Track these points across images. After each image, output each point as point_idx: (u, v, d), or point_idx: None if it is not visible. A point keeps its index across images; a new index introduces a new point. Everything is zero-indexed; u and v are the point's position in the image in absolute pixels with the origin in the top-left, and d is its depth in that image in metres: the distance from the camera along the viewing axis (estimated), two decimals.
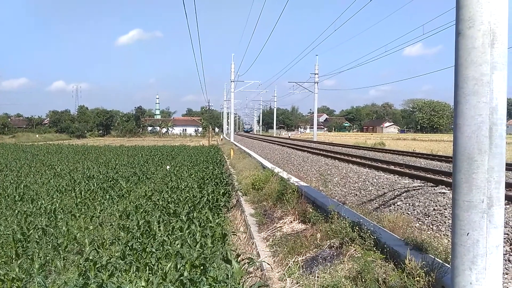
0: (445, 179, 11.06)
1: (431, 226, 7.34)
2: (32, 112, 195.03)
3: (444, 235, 6.72)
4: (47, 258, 7.66)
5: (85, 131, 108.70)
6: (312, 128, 68.98)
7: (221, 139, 77.19)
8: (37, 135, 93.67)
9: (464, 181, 3.30)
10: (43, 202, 12.80)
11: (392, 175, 13.31)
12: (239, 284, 5.23)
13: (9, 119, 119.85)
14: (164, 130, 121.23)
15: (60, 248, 8.15)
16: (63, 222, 10.13)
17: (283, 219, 8.76)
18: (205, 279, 5.28)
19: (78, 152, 40.32)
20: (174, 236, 8.23)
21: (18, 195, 14.16)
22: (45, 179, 18.97)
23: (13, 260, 7.61)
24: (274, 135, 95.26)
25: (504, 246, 4.99)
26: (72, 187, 16.10)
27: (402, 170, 14.47)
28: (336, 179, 13.40)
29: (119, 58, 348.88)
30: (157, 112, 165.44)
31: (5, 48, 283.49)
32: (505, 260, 5.09)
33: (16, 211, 11.77)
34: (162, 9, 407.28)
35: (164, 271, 6.03)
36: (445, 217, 7.55)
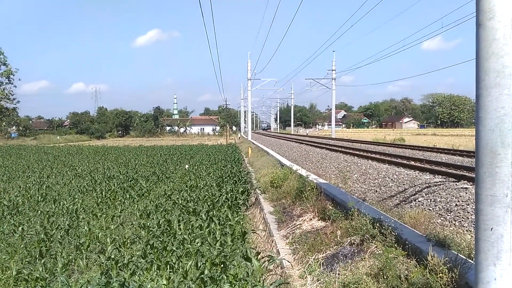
0: (467, 174, 10.89)
1: (454, 222, 7.23)
2: (53, 114, 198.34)
3: (467, 230, 6.61)
4: (70, 257, 7.77)
5: (105, 132, 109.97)
6: (330, 125, 68.60)
7: (239, 137, 77.34)
8: (58, 137, 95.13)
9: (487, 175, 3.23)
10: (65, 202, 13.00)
11: (412, 170, 13.16)
12: (259, 281, 5.23)
13: (31, 122, 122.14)
14: (182, 129, 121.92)
15: (82, 248, 8.27)
16: (85, 222, 10.28)
17: (302, 216, 8.73)
18: (225, 277, 5.29)
19: (98, 152, 40.83)
20: (194, 234, 8.27)
21: (41, 196, 14.40)
22: (66, 179, 19.28)
23: (37, 260, 7.73)
24: (292, 133, 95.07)
25: None
26: (93, 187, 16.32)
27: (422, 165, 14.29)
28: (356, 175, 13.30)
29: (137, 59, 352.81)
30: (175, 112, 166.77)
31: (26, 51, 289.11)
32: None
33: (39, 211, 11.97)
34: (180, 9, 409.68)
35: (185, 269, 6.07)
36: (468, 212, 7.43)
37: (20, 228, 9.68)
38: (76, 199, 13.64)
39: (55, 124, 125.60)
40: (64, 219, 10.72)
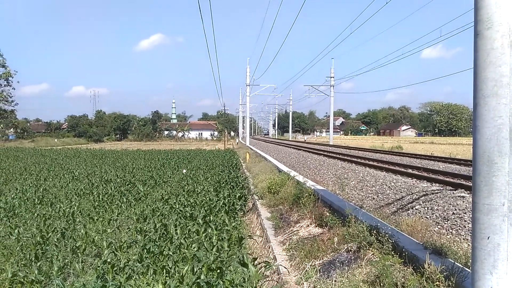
0: (464, 182, 10.92)
1: (451, 230, 7.24)
2: (51, 117, 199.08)
3: (464, 239, 6.62)
4: (66, 260, 7.74)
5: (103, 136, 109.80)
6: (328, 131, 68.71)
7: (237, 143, 77.34)
8: (55, 140, 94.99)
9: (484, 184, 3.24)
10: (62, 205, 12.95)
11: (410, 178, 13.18)
12: (256, 287, 5.22)
13: (28, 124, 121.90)
14: (180, 134, 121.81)
15: (78, 251, 8.24)
16: (82, 225, 10.24)
17: (299, 222, 8.73)
18: (221, 282, 5.28)
19: (96, 156, 40.74)
20: (191, 239, 8.25)
21: (38, 199, 14.34)
22: (63, 182, 19.21)
23: (33, 263, 7.70)
24: (290, 139, 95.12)
25: None
26: (90, 190, 16.26)
27: (420, 173, 14.32)
28: (353, 182, 13.31)
29: (139, 63, 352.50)
30: (173, 116, 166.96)
31: (28, 54, 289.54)
32: None
33: (36, 214, 11.92)
34: (183, 14, 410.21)
35: (181, 274, 6.05)
36: (465, 221, 7.45)
37: (16, 231, 9.64)
38: (73, 202, 13.58)
39: (53, 127, 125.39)
40: (61, 222, 10.68)
